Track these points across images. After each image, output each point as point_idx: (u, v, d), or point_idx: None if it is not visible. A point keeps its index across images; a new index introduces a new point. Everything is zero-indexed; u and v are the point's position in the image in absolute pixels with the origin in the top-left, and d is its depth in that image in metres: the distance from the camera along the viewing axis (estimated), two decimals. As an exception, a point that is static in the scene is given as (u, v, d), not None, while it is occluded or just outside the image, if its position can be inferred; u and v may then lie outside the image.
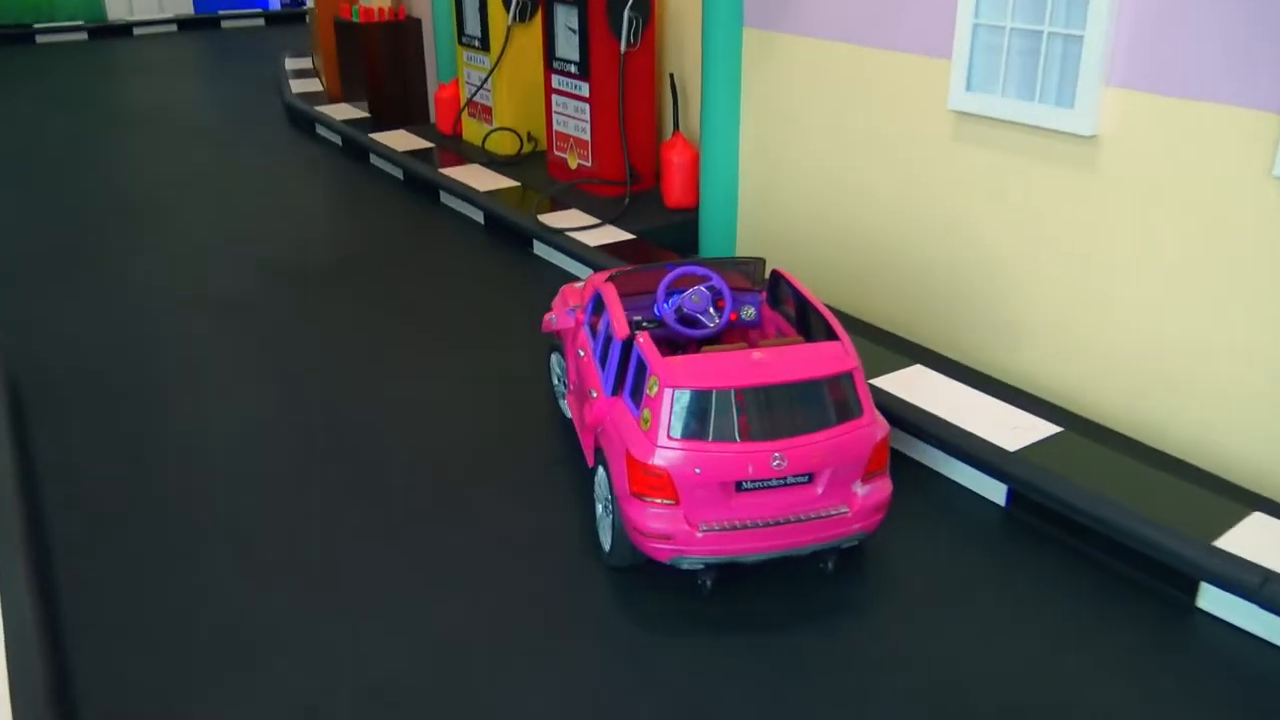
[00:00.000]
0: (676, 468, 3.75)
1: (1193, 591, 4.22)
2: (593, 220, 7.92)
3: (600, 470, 4.29)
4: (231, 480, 5.10)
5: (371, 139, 10.47)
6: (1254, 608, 4.01)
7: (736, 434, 3.76)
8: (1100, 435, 5.03)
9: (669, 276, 4.72)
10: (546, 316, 5.11)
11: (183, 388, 6.02)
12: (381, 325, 6.85)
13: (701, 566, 3.92)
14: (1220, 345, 4.83)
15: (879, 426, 4.00)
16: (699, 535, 3.80)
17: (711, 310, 4.70)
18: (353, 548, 4.56)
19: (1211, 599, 4.17)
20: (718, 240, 7.73)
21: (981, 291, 5.88)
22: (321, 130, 11.68)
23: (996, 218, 5.72)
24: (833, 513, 3.91)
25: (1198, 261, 4.83)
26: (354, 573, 4.40)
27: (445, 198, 9.25)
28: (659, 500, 3.81)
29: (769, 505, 3.86)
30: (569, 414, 5.35)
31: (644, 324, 4.73)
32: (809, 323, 4.45)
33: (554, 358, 5.54)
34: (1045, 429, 4.94)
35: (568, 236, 7.66)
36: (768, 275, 4.87)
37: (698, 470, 3.75)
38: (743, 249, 7.68)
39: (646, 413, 3.86)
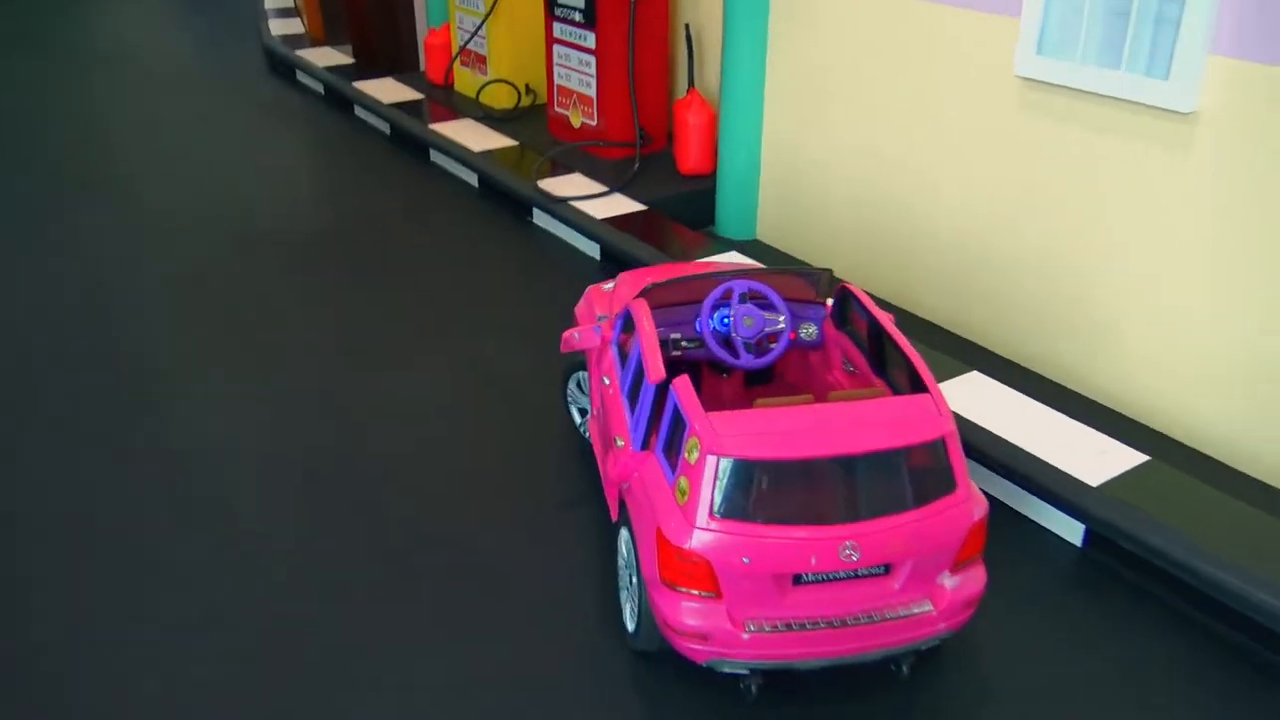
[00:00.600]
0: (719, 555, 3.02)
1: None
2: (598, 187, 7.15)
3: (625, 533, 3.57)
4: (188, 505, 4.41)
5: (356, 88, 9.62)
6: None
7: (797, 515, 3.03)
8: (1191, 463, 4.37)
9: (717, 291, 3.91)
10: (568, 333, 4.19)
11: (142, 380, 5.30)
12: (366, 308, 6.11)
13: (746, 672, 3.22)
14: (1337, 363, 4.14)
15: (975, 504, 3.21)
16: (745, 637, 3.08)
17: (765, 340, 3.92)
18: (307, 609, 3.89)
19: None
20: (736, 215, 6.98)
21: (1045, 287, 5.17)
22: (302, 77, 10.80)
23: (1066, 204, 4.98)
24: (913, 611, 3.15)
25: (1316, 265, 4.12)
26: (296, 654, 3.73)
27: (436, 156, 8.46)
28: (696, 592, 3.09)
29: (834, 602, 3.12)
30: (588, 437, 4.60)
31: (682, 343, 3.99)
32: (883, 353, 3.68)
33: (575, 381, 4.68)
34: (1130, 457, 4.27)
35: (571, 206, 6.90)
36: (835, 289, 4.06)
37: (746, 560, 3.02)
38: (765, 226, 6.93)
39: (684, 482, 3.11)
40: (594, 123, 7.79)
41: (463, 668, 3.56)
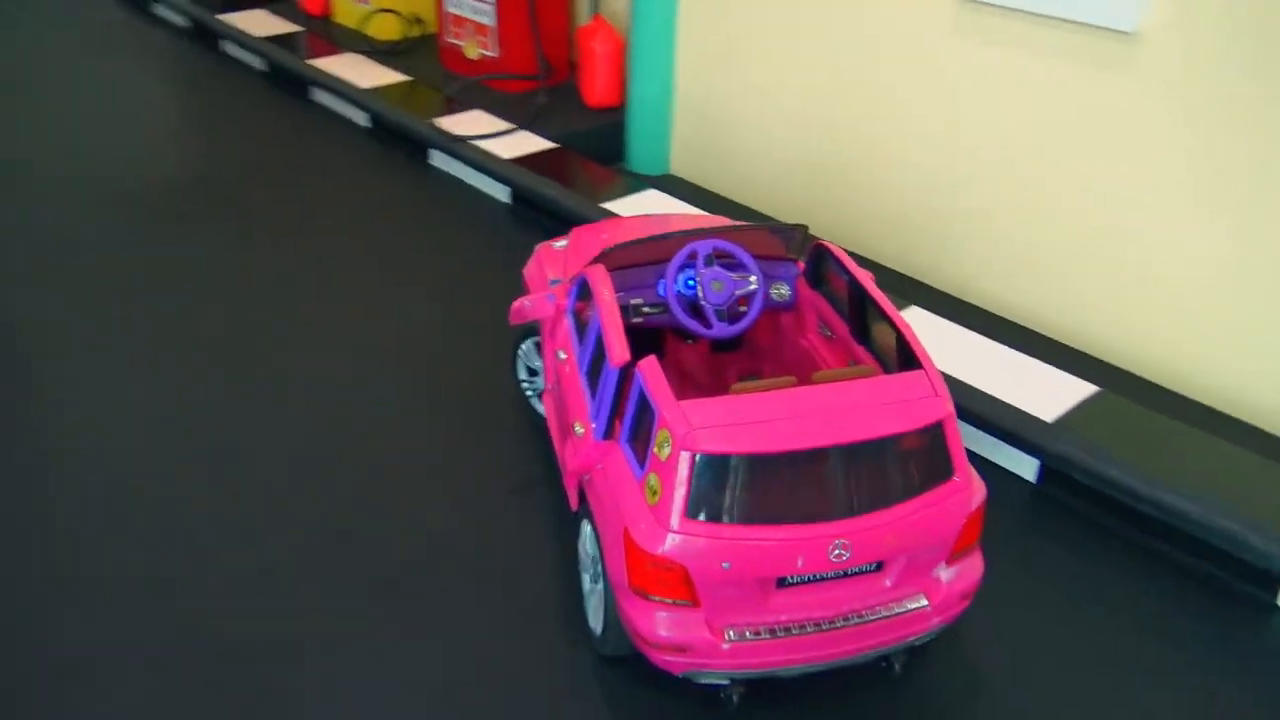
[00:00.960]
0: (696, 561, 2.71)
1: (1275, 590, 3.59)
2: (503, 125, 6.69)
3: (587, 526, 3.24)
4: (88, 501, 3.92)
5: (222, 21, 8.81)
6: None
7: (782, 514, 2.73)
8: (1141, 392, 4.33)
9: (681, 254, 3.55)
10: (518, 303, 3.75)
11: (12, 366, 4.72)
12: (258, 269, 5.58)
13: (727, 682, 2.94)
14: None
15: (974, 490, 2.93)
16: (725, 646, 2.79)
17: (737, 304, 3.58)
18: (233, 607, 3.51)
19: (1296, 598, 3.55)
20: (648, 149, 6.65)
21: (984, 219, 5.03)
22: (161, 9, 9.85)
23: (1004, 131, 4.82)
24: (907, 608, 2.89)
25: (1266, 191, 4.06)
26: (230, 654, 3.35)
27: (318, 94, 7.82)
28: (670, 601, 2.79)
29: (822, 603, 2.84)
30: (543, 412, 4.20)
31: (643, 309, 3.63)
32: (865, 318, 3.39)
33: (524, 348, 4.28)
34: (1080, 388, 4.19)
35: (474, 146, 6.44)
36: (810, 247, 3.71)
37: (726, 565, 2.72)
38: (679, 160, 6.62)
39: (654, 479, 2.78)
40: (492, 53, 7.29)
41: (413, 670, 3.23)
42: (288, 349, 4.84)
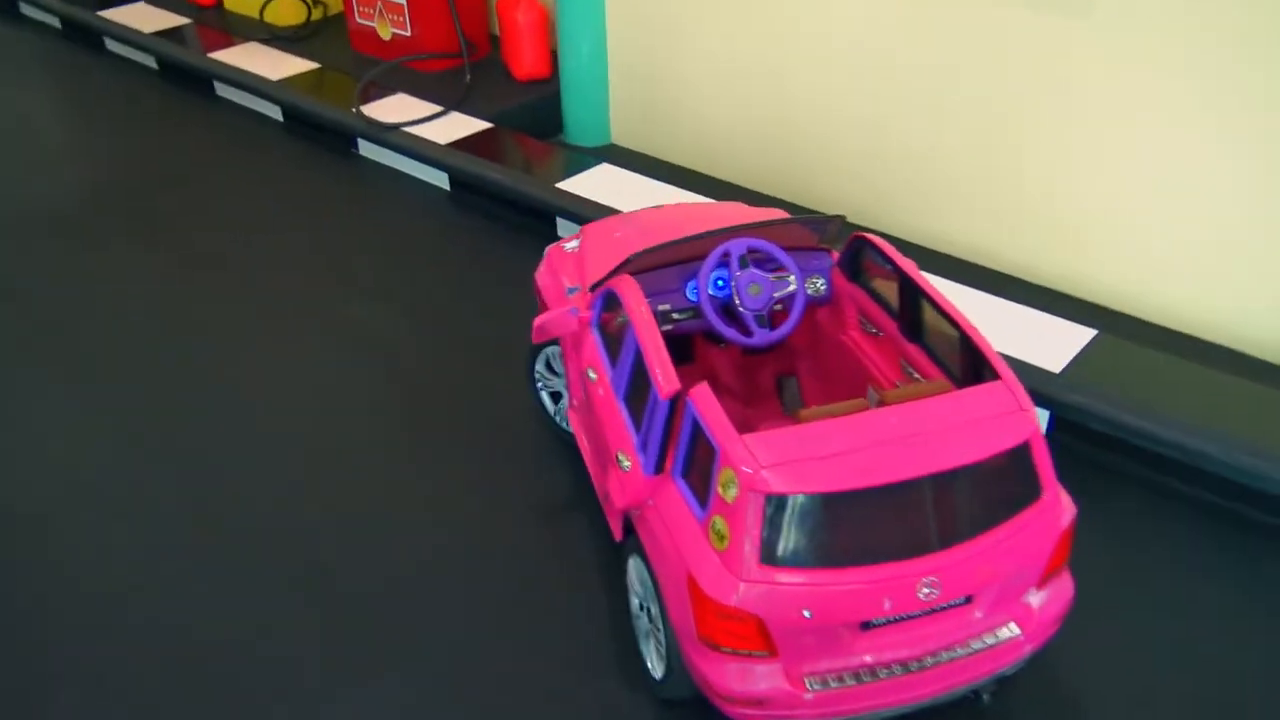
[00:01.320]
0: (773, 610, 2.50)
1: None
2: (432, 108, 6.34)
3: (638, 563, 2.98)
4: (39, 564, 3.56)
5: (102, 18, 8.17)
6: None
7: (865, 553, 2.51)
8: (1140, 332, 4.31)
9: (715, 254, 3.27)
10: (539, 320, 3.39)
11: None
12: (188, 287, 5.18)
13: None
14: (1238, 229, 4.11)
15: (1063, 508, 2.73)
16: (807, 696, 2.60)
17: (774, 308, 3.30)
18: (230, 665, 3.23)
19: (1319, 524, 3.57)
20: (586, 119, 6.37)
21: (950, 168, 4.92)
22: (27, 8, 9.10)
23: (962, 77, 4.70)
24: (1000, 638, 2.71)
25: (1218, 143, 4.02)
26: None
27: (223, 89, 7.32)
28: (745, 652, 2.58)
29: (909, 642, 2.65)
30: (568, 428, 3.89)
31: (673, 315, 3.37)
32: (917, 312, 3.11)
33: (541, 361, 3.95)
34: (1079, 334, 4.14)
35: (406, 133, 6.08)
36: (849, 238, 3.40)
37: (807, 614, 2.51)
38: (620, 129, 6.36)
39: (719, 522, 2.54)
40: (407, 33, 6.89)
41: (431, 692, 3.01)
42: (238, 371, 4.50)
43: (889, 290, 3.26)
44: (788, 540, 2.48)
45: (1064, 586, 2.84)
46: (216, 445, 4.07)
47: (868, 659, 2.62)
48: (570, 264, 3.81)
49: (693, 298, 3.36)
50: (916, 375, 3.15)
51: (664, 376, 2.76)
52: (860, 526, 2.50)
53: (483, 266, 5.25)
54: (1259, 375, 4.04)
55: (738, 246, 3.30)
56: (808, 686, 2.59)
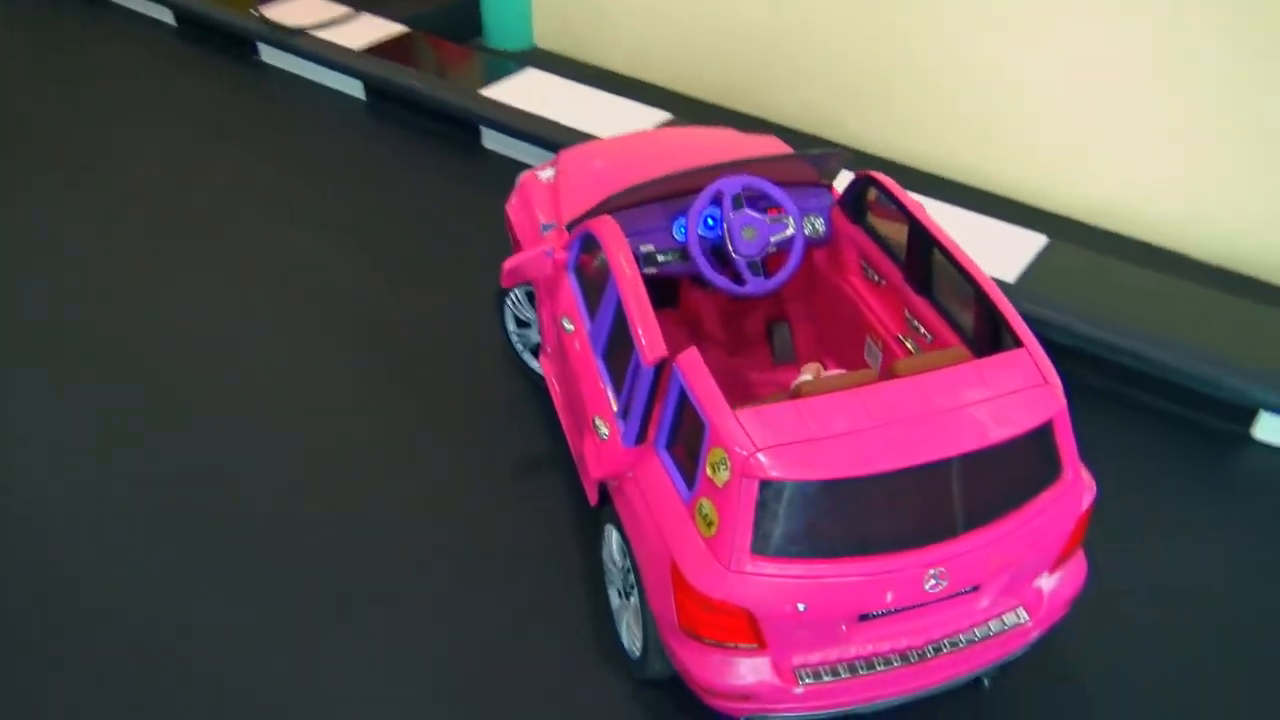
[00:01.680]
0: (764, 604, 2.23)
1: (1249, 422, 3.60)
2: (340, 9, 5.87)
3: (614, 534, 2.75)
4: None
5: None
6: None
7: (868, 543, 2.23)
8: (1089, 238, 4.22)
9: (707, 194, 2.96)
10: (510, 262, 3.03)
11: None
12: (87, 215, 4.74)
13: None
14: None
15: (1084, 487, 2.45)
16: (798, 690, 2.35)
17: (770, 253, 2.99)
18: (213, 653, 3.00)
19: (1271, 427, 3.57)
20: (507, 21, 5.98)
21: (900, 71, 4.71)
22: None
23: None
24: (1006, 625, 2.45)
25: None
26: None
27: (105, -8, 6.68)
28: (732, 644, 2.32)
29: (910, 632, 2.40)
30: (540, 370, 3.56)
31: (657, 257, 3.05)
32: (927, 263, 2.79)
33: (510, 301, 3.60)
34: (1031, 242, 4.03)
35: (314, 37, 5.62)
36: (856, 177, 3.05)
37: (801, 607, 2.24)
38: (544, 30, 5.98)
39: (707, 506, 2.26)
40: (308, -74, 6.33)
41: (426, 692, 2.78)
42: (169, 314, 4.14)
43: (896, 234, 2.95)
44: (783, 529, 2.20)
45: (1077, 569, 2.59)
46: (151, 381, 3.75)
47: (865, 650, 2.39)
48: (545, 196, 3.44)
49: (680, 238, 3.04)
50: (922, 329, 2.86)
51: (649, 340, 2.45)
52: (864, 514, 2.23)
53: (407, 182, 4.92)
54: (1205, 279, 4.01)
55: (731, 185, 2.97)
56: (799, 680, 2.35)
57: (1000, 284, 3.80)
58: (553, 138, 4.71)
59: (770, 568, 2.21)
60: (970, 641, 2.42)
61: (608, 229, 2.76)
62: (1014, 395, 2.31)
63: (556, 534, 3.17)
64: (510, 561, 3.11)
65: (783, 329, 3.44)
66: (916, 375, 2.33)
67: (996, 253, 3.94)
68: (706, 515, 2.27)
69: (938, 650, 2.40)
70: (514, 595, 3.01)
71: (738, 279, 3.00)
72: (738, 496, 2.19)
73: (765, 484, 2.17)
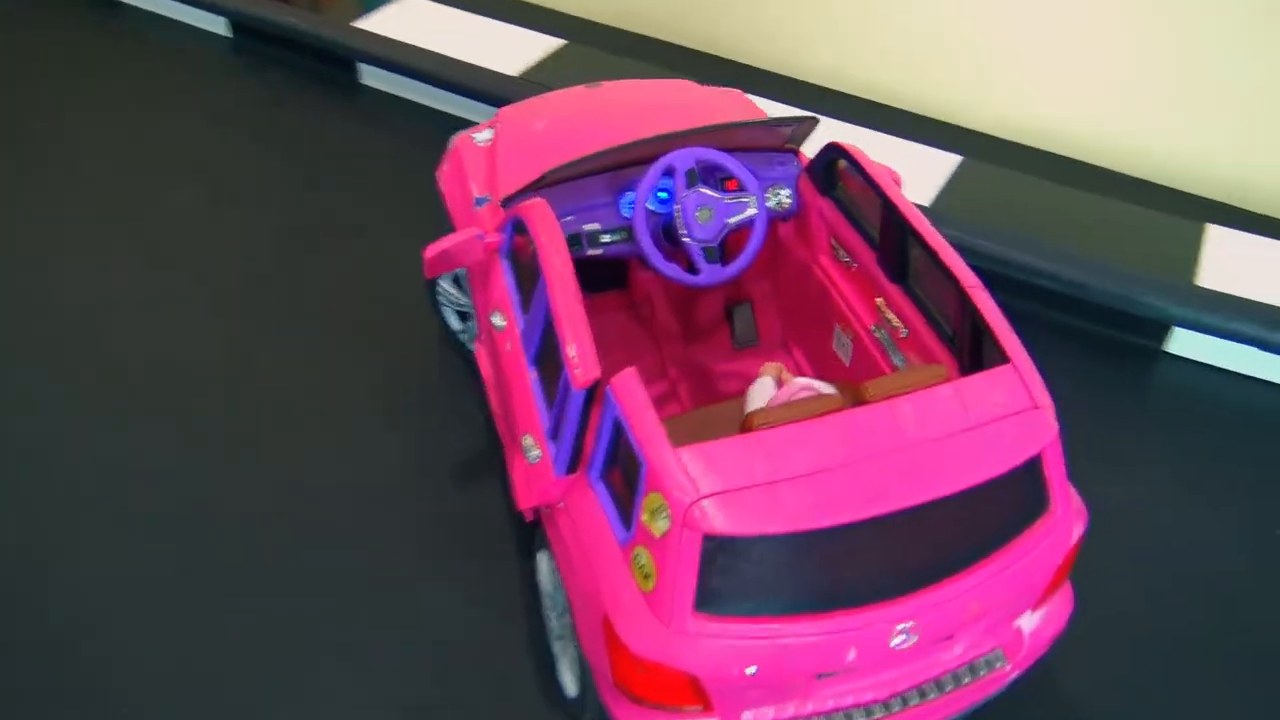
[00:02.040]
0: (709, 667, 1.96)
1: (1163, 337, 3.58)
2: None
3: (545, 561, 2.47)
4: None
5: None
6: (1222, 342, 3.44)
7: (829, 599, 1.95)
8: (1002, 154, 4.12)
9: (657, 167, 2.60)
10: (433, 249, 2.63)
11: None
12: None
13: None
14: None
15: (1073, 520, 2.18)
16: None
17: (725, 228, 2.63)
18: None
19: (1184, 341, 3.55)
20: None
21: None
22: None
23: None
24: (980, 673, 2.21)
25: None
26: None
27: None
28: (673, 707, 2.06)
29: (873, 688, 2.14)
30: (476, 359, 3.15)
31: (602, 238, 2.69)
32: (901, 246, 2.49)
33: (443, 286, 3.22)
34: (945, 162, 3.91)
35: (167, -30, 5.13)
36: (823, 149, 2.72)
37: (751, 670, 1.97)
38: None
39: (644, 557, 1.96)
40: None
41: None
42: (41, 286, 3.75)
43: (869, 211, 2.64)
44: (731, 586, 1.91)
45: (1062, 603, 2.32)
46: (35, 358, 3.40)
47: (825, 705, 2.12)
48: (481, 164, 3.02)
49: (627, 215, 2.69)
50: (896, 321, 2.58)
51: (580, 359, 2.11)
52: (825, 566, 1.94)
53: (281, 125, 4.55)
54: (1123, 192, 3.95)
55: (684, 159, 2.61)
56: None
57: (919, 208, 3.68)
58: (436, 71, 4.39)
59: (716, 628, 1.92)
60: (940, 691, 2.17)
61: (539, 215, 2.39)
62: (1000, 424, 2.02)
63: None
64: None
65: (745, 310, 3.13)
66: (889, 400, 2.03)
67: (909, 174, 3.81)
68: (643, 567, 1.96)
69: (905, 702, 2.16)
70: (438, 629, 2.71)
71: (691, 267, 2.65)
72: (678, 550, 1.88)
73: (711, 539, 1.87)
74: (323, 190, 4.17)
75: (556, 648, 2.53)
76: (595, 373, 2.11)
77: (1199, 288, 3.42)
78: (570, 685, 2.43)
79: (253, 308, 3.62)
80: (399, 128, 4.53)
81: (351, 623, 2.69)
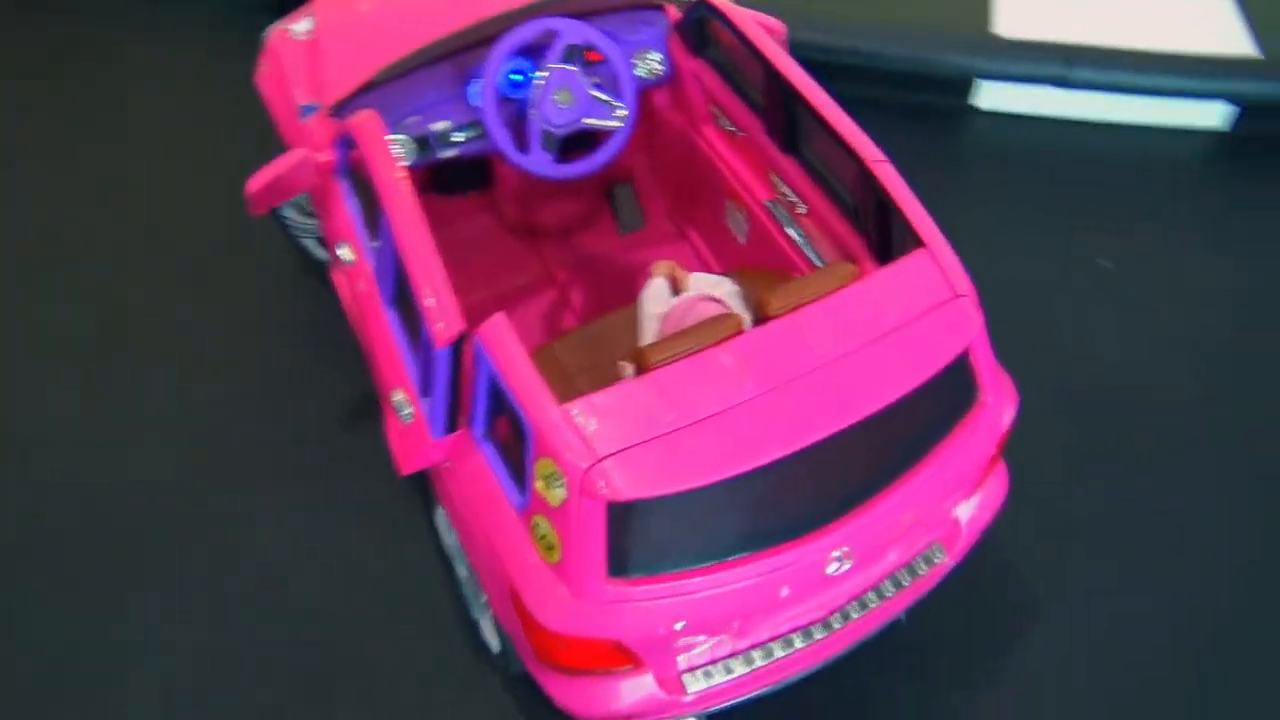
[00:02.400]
0: (633, 630, 1.82)
1: (968, 92, 3.53)
2: None
3: (444, 516, 2.24)
4: None
5: None
6: (1026, 88, 3.45)
7: (755, 540, 1.81)
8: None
9: (504, 44, 2.16)
10: (257, 180, 2.23)
11: None
12: None
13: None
14: None
15: (1006, 402, 2.05)
16: (688, 698, 1.98)
17: (594, 114, 2.26)
18: None
19: (989, 94, 3.51)
20: None
21: None
22: None
23: None
24: (920, 570, 2.11)
25: None
26: None
27: None
28: (602, 671, 1.93)
29: (812, 610, 2.02)
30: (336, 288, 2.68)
31: (452, 136, 2.29)
32: (790, 112, 2.19)
33: (290, 215, 2.73)
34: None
35: None
36: (689, 3, 2.35)
37: (679, 625, 1.84)
38: None
39: (544, 526, 1.78)
40: None
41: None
42: None
43: (751, 73, 2.29)
44: (644, 546, 1.76)
45: (998, 484, 2.21)
46: None
47: (763, 636, 2.01)
48: (302, 62, 2.50)
49: (476, 104, 2.28)
50: (793, 196, 2.29)
51: (441, 310, 1.81)
52: (746, 510, 1.80)
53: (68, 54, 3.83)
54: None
55: (530, 31, 2.20)
56: (687, 687, 1.98)
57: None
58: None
59: (634, 591, 1.78)
60: (881, 598, 2.09)
61: (369, 134, 2.00)
62: (920, 321, 1.84)
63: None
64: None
65: (626, 190, 2.83)
66: (797, 311, 1.83)
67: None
68: (545, 537, 1.80)
69: (846, 617, 2.07)
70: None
71: (521, 147, 2.31)
72: (580, 521, 1.71)
73: (615, 506, 1.70)
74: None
75: (475, 606, 2.38)
76: (458, 325, 1.83)
77: (997, 36, 3.34)
78: (494, 643, 2.32)
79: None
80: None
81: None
